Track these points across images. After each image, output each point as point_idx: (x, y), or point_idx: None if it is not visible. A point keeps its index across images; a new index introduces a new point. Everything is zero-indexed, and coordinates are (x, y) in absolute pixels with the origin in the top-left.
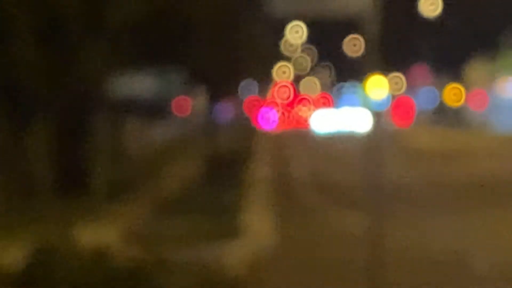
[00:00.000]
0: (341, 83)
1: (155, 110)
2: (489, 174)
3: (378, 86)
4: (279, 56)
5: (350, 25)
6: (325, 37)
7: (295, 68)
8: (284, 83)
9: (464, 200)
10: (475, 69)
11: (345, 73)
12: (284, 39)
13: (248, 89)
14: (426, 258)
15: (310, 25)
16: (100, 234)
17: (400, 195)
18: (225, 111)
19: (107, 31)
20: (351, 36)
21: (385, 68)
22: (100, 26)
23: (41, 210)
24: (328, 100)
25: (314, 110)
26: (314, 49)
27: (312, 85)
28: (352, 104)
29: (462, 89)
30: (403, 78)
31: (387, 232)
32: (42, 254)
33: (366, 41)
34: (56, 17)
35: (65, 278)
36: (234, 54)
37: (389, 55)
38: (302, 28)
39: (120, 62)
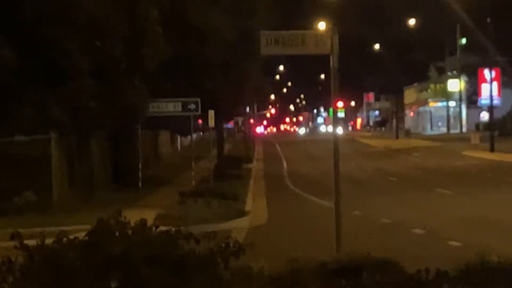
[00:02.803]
0: (315, 106)
1: (179, 127)
2: (417, 165)
3: (340, 107)
4: (271, 89)
5: (319, 64)
6: (303, 73)
7: (282, 97)
8: (273, 108)
9: (399, 184)
10: (409, 94)
11: (316, 99)
12: (275, 76)
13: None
14: (374, 225)
15: (290, 63)
16: (142, 214)
17: (355, 181)
18: (230, 126)
19: (144, 71)
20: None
21: (343, 95)
22: (139, 67)
23: (100, 198)
24: (303, 117)
25: (293, 125)
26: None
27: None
28: (321, 118)
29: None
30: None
31: (347, 210)
32: (102, 229)
33: (330, 76)
34: (108, 62)
35: (117, 244)
36: (237, 88)
37: (346, 86)
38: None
39: (153, 92)
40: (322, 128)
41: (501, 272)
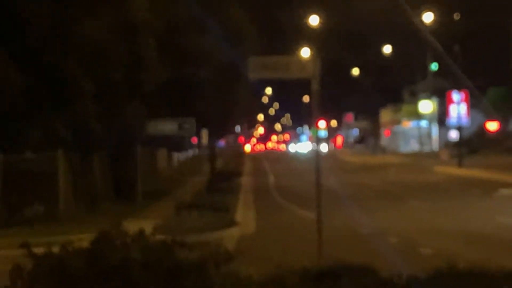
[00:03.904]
0: (298, 125)
1: (175, 144)
2: (392, 179)
3: (322, 126)
4: (259, 109)
5: (302, 87)
6: (288, 95)
7: (269, 118)
8: (261, 126)
9: (376, 197)
10: (385, 114)
11: (300, 119)
12: (263, 97)
13: (240, 129)
14: (353, 234)
15: (276, 87)
16: (141, 224)
17: (336, 195)
18: (222, 144)
19: (142, 93)
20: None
21: (326, 116)
22: (137, 90)
23: (103, 209)
24: (289, 136)
25: (279, 143)
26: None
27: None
28: (305, 137)
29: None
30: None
31: (328, 220)
32: (104, 238)
33: (312, 98)
34: (109, 85)
35: (118, 252)
36: (228, 109)
37: (327, 107)
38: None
39: (151, 113)
40: (291, 148)
41: (466, 277)
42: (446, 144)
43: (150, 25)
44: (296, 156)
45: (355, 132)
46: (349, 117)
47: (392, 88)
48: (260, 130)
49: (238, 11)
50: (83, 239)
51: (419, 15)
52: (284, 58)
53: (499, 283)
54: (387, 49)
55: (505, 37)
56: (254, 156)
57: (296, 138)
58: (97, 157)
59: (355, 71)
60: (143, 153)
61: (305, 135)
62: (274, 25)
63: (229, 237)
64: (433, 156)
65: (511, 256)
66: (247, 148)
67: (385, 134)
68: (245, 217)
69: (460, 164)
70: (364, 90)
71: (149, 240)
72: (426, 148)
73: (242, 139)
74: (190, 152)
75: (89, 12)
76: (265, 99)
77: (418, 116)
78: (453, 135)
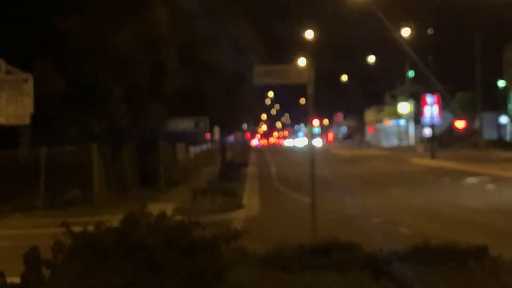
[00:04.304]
0: (296, 124)
1: (191, 139)
2: (375, 169)
3: (316, 125)
4: (263, 110)
5: (299, 90)
6: (287, 97)
7: (271, 117)
8: (264, 124)
9: (363, 185)
10: (369, 114)
11: (297, 118)
12: (266, 99)
13: (246, 126)
14: (341, 215)
15: (277, 91)
16: (162, 207)
17: (328, 182)
18: (231, 139)
19: (163, 96)
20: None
21: (319, 115)
22: (159, 93)
23: (130, 194)
24: (288, 132)
25: (281, 139)
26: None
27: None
28: (301, 133)
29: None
30: (328, 120)
31: (321, 204)
32: (131, 219)
33: (307, 100)
34: (136, 89)
35: (142, 231)
36: (236, 109)
37: (320, 108)
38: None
39: (171, 112)
40: (289, 142)
41: (438, 252)
42: (421, 139)
43: (171, 39)
44: (293, 150)
45: (343, 129)
46: (339, 116)
47: (375, 92)
48: (264, 127)
49: (245, 27)
50: (113, 220)
51: (399, 30)
52: (283, 66)
53: (466, 257)
54: (371, 59)
55: (471, 49)
56: (259, 150)
57: (293, 134)
58: (126, 150)
59: (344, 78)
60: (165, 147)
61: (301, 132)
62: (275, 38)
63: (237, 218)
64: (410, 149)
65: (476, 234)
66: (253, 142)
67: (369, 131)
68: (251, 201)
69: (433, 157)
70: (351, 93)
71: (169, 221)
72: (404, 143)
73: (248, 135)
74: (204, 146)
75: (119, 28)
76: (267, 101)
77: (397, 116)
78: (427, 132)
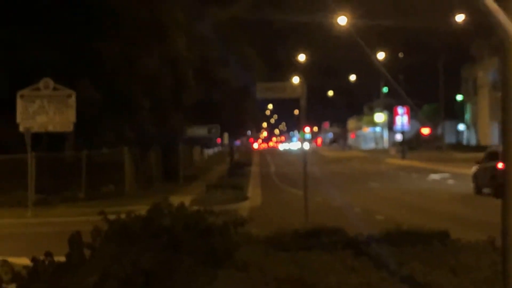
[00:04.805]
0: (291, 131)
1: (205, 143)
2: (356, 168)
3: (307, 131)
4: (263, 119)
5: (294, 103)
6: (284, 109)
7: (270, 125)
8: (265, 131)
9: (346, 181)
10: (351, 122)
11: (292, 126)
12: (266, 111)
13: (250, 132)
14: (328, 206)
15: (276, 103)
16: (181, 198)
17: (317, 179)
18: (237, 143)
19: (183, 107)
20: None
21: (310, 123)
22: (180, 105)
23: (155, 188)
24: (284, 138)
25: (278, 143)
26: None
27: (278, 130)
28: (295, 138)
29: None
30: (317, 128)
31: (311, 196)
32: (156, 208)
33: (300, 111)
34: (160, 101)
35: (165, 218)
36: (242, 118)
37: (310, 117)
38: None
39: (189, 121)
40: (285, 146)
41: (408, 235)
42: (394, 143)
43: (188, 60)
44: (289, 152)
45: (330, 135)
46: (326, 124)
47: (356, 104)
48: (264, 133)
49: (249, 50)
50: (141, 209)
51: (375, 54)
52: (281, 83)
53: (431, 239)
54: (353, 77)
55: (434, 69)
56: (260, 152)
57: (289, 139)
58: (152, 152)
59: (330, 92)
60: (183, 149)
61: (295, 137)
62: (274, 60)
63: (243, 207)
64: (384, 152)
65: (439, 220)
66: (255, 146)
67: (351, 136)
68: (254, 193)
69: (403, 157)
70: (336, 105)
71: (187, 210)
72: (380, 146)
73: (251, 139)
74: (216, 149)
75: (146, 51)
76: (267, 112)
77: (374, 124)
78: (398, 137)
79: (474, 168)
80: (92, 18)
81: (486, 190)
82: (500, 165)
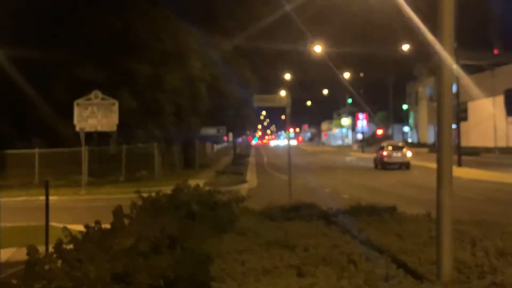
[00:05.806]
0: (279, 131)
1: (215, 140)
2: (329, 160)
3: (291, 131)
4: (259, 122)
5: (281, 110)
6: (273, 115)
7: (264, 127)
8: (260, 131)
9: (320, 169)
10: (324, 125)
11: (280, 127)
12: (261, 116)
13: (249, 132)
14: (306, 187)
15: (268, 110)
16: (197, 181)
17: (298, 167)
18: (239, 140)
19: (198, 112)
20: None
21: (293, 125)
22: (196, 111)
23: (177, 173)
24: (274, 136)
25: (269, 140)
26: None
27: (269, 131)
28: (282, 137)
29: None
30: (299, 129)
31: (294, 180)
32: (178, 188)
33: (286, 116)
34: (180, 108)
35: (184, 195)
36: (242, 121)
37: (294, 121)
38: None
39: (203, 123)
40: (272, 142)
41: (366, 209)
42: (356, 141)
43: (202, 78)
44: (277, 147)
45: (308, 134)
46: (305, 126)
47: (327, 111)
48: (259, 133)
49: (247, 70)
50: (167, 189)
51: (342, 73)
52: (272, 96)
53: (382, 212)
54: (325, 91)
55: (386, 85)
56: (256, 147)
57: (278, 137)
58: (174, 146)
59: (309, 103)
60: (199, 145)
61: (282, 136)
62: (266, 78)
63: (243, 188)
64: (349, 147)
65: (391, 199)
66: (253, 142)
67: (324, 136)
68: (251, 178)
69: (363, 151)
70: (313, 112)
71: (201, 189)
72: (345, 143)
73: (250, 138)
74: (223, 145)
75: (170, 70)
76: (262, 117)
77: (341, 126)
78: (359, 136)
79: (374, 155)
80: (131, 46)
81: (379, 167)
82: (384, 153)
